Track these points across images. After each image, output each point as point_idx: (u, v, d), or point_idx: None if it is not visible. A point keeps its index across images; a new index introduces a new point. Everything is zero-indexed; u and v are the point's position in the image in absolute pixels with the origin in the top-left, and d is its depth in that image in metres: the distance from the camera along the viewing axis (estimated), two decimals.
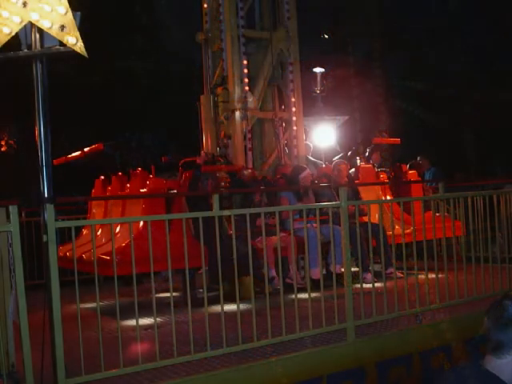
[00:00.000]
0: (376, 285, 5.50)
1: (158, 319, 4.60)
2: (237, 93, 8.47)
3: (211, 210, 4.82)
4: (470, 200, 6.10)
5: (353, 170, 9.02)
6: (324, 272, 7.05)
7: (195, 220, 5.70)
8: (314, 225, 6.35)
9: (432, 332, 5.49)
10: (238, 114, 8.46)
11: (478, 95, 18.01)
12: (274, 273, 7.07)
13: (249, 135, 8.69)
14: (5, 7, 3.93)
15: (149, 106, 16.35)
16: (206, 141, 8.82)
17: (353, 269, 5.72)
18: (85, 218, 8.73)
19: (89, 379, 4.08)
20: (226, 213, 5.38)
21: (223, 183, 7.77)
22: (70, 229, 4.27)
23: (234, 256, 4.76)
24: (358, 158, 9.43)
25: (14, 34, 3.99)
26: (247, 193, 7.67)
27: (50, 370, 3.99)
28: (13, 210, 3.87)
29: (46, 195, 4.05)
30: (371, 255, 6.26)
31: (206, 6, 9.17)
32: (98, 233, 7.71)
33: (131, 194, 7.70)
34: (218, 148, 8.70)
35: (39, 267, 8.02)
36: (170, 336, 4.44)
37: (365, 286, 5.57)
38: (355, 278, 5.54)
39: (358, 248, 6.69)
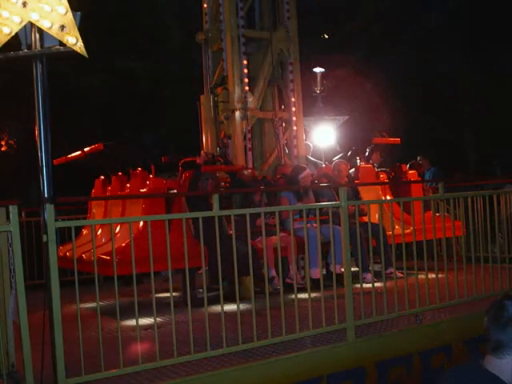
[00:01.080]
0: (376, 285, 5.50)
1: (158, 319, 4.60)
2: (237, 93, 8.46)
3: (211, 210, 4.82)
4: (469, 200, 6.11)
5: (353, 169, 9.03)
6: (324, 272, 7.06)
7: (195, 220, 5.70)
8: (314, 225, 6.36)
9: (432, 332, 5.49)
10: (237, 114, 8.45)
11: (478, 95, 18.01)
12: (274, 273, 7.07)
13: (249, 135, 8.68)
14: (5, 7, 3.93)
15: (149, 106, 16.35)
16: (206, 141, 8.82)
17: (353, 269, 5.72)
18: (85, 218, 8.74)
19: (89, 379, 4.08)
20: (226, 213, 5.39)
21: (223, 183, 7.77)
22: (70, 229, 4.27)
23: (234, 256, 4.75)
24: (357, 157, 9.43)
25: (13, 33, 3.99)
26: (247, 193, 7.67)
27: (50, 369, 3.99)
28: (13, 210, 3.87)
29: (45, 195, 4.05)
30: (371, 255, 6.26)
31: (205, 5, 9.17)
32: (98, 233, 7.72)
33: (131, 193, 7.70)
34: (217, 148, 8.70)
35: (39, 267, 8.03)
36: (170, 336, 4.44)
37: (365, 285, 5.57)
38: (355, 278, 5.54)
39: (358, 248, 6.70)
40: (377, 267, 7.25)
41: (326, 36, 18.67)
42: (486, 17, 16.95)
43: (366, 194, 8.53)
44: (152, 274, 4.48)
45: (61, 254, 6.66)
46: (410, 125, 16.12)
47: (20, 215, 4.06)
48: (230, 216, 4.92)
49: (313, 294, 5.10)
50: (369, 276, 6.53)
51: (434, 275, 5.72)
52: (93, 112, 16.17)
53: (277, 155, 8.94)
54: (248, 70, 8.65)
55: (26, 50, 4.14)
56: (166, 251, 4.52)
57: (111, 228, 4.88)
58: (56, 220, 4.03)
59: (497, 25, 16.78)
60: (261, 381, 4.52)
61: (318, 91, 10.16)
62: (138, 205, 7.24)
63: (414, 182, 9.24)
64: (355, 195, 8.36)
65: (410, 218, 5.91)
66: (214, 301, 5.23)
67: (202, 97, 8.97)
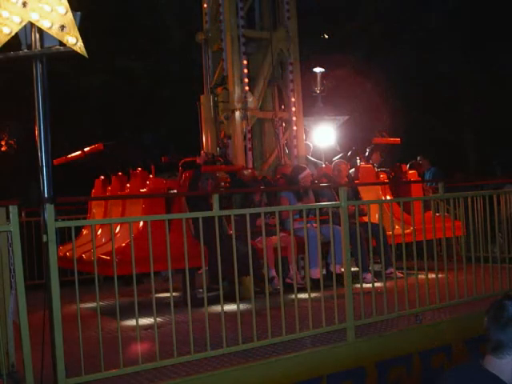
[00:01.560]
0: (376, 285, 5.50)
1: (158, 319, 4.60)
2: (237, 93, 8.46)
3: (211, 210, 4.82)
4: (469, 200, 6.11)
5: (353, 169, 9.03)
6: (324, 272, 7.06)
7: (195, 220, 5.70)
8: (314, 225, 6.36)
9: (432, 332, 5.49)
10: (237, 114, 8.45)
11: (478, 95, 18.01)
12: (274, 273, 7.08)
13: (249, 135, 8.68)
14: (5, 7, 3.93)
15: (149, 106, 16.35)
16: (206, 141, 8.82)
17: (353, 269, 5.72)
18: (85, 218, 8.74)
19: (89, 379, 4.08)
20: (226, 213, 5.39)
21: (223, 183, 7.76)
22: (70, 229, 4.27)
23: (234, 256, 4.75)
24: (357, 157, 9.43)
25: (13, 33, 3.99)
26: (247, 193, 7.67)
27: (50, 370, 3.99)
28: (13, 210, 3.87)
29: (45, 195, 4.05)
30: (371, 255, 6.26)
31: (205, 5, 9.17)
32: (98, 233, 7.72)
33: (131, 193, 7.70)
34: (217, 148, 8.70)
35: (39, 267, 8.03)
36: (170, 336, 4.44)
37: (365, 285, 5.57)
38: (355, 278, 5.54)
39: (358, 248, 6.70)
40: (377, 267, 7.25)
41: (326, 36, 18.67)
42: (486, 17, 16.94)
43: (366, 194, 8.53)
44: (152, 274, 4.48)
45: (61, 253, 6.66)
46: (410, 125, 16.13)
47: (20, 215, 4.06)
48: (229, 216, 4.93)
49: (313, 294, 5.10)
50: (369, 276, 6.53)
51: (434, 275, 5.72)
52: (93, 112, 16.17)
53: (277, 155, 8.94)
54: (248, 70, 8.65)
55: (26, 50, 4.14)
56: (166, 251, 4.52)
57: (111, 228, 4.88)
58: (56, 220, 4.02)
59: (497, 25, 16.77)
60: (261, 381, 4.52)
61: (318, 91, 10.16)
62: (137, 205, 7.24)
63: (414, 182, 9.24)
64: (355, 195, 8.36)
65: (410, 218, 5.91)
66: (214, 301, 5.23)
67: (202, 97, 8.97)
